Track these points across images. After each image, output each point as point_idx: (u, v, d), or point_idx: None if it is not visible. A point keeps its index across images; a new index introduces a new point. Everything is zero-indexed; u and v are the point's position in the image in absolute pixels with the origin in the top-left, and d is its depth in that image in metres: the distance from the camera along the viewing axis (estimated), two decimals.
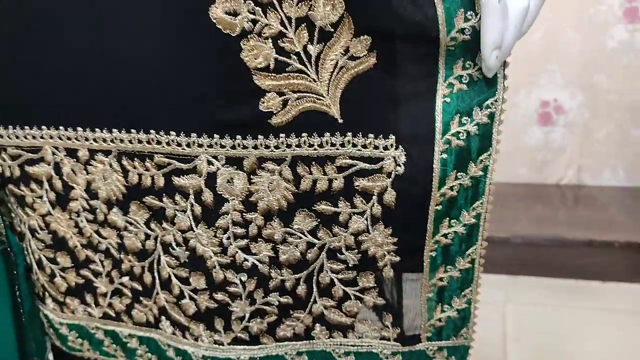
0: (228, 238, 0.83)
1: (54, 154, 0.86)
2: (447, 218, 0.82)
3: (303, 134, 0.77)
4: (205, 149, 0.79)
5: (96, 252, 0.91)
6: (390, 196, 0.79)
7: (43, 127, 0.84)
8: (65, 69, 0.79)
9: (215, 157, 0.79)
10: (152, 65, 0.76)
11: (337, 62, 0.73)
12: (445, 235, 0.83)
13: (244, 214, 0.82)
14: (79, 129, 0.82)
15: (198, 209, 0.82)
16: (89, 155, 0.84)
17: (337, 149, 0.78)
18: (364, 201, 0.80)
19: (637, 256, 2.02)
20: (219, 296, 0.87)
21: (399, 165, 0.78)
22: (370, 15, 0.71)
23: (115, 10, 0.74)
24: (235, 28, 0.71)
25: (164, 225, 0.85)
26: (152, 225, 0.86)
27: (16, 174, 0.89)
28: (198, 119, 0.77)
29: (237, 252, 0.84)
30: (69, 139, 0.83)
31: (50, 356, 1.08)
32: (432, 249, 0.84)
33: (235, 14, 0.71)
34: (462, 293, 0.88)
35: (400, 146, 0.77)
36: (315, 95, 0.75)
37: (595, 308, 1.92)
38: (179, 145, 0.79)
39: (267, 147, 0.78)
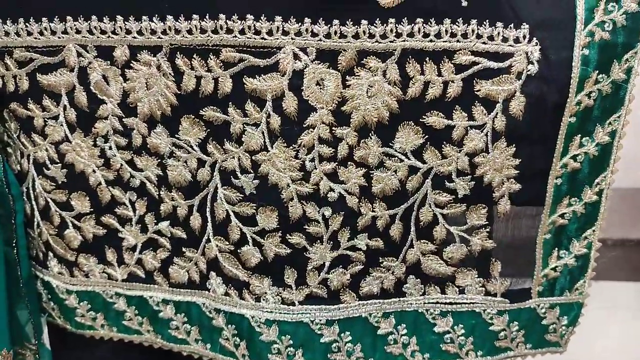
0: (312, 160, 0.65)
1: (80, 55, 0.66)
2: (579, 135, 0.67)
3: (417, 20, 0.60)
4: (292, 38, 0.61)
5: (126, 190, 0.72)
6: (518, 103, 0.64)
7: (68, 18, 0.64)
8: None
9: (303, 50, 0.61)
10: None
11: None
12: (574, 158, 0.68)
13: (333, 128, 0.64)
14: (118, 18, 0.63)
15: (276, 122, 0.64)
16: (129, 55, 0.65)
17: (458, 41, 0.62)
18: (484, 111, 0.64)
19: None
20: (294, 239, 0.68)
21: (532, 63, 0.63)
22: None
23: None
24: None
25: (227, 146, 0.66)
26: (210, 148, 0.67)
27: (24, 86, 0.69)
28: None
29: (321, 178, 0.66)
30: (103, 32, 0.64)
31: (47, 339, 0.85)
32: (558, 175, 0.68)
33: None
34: (583, 234, 0.73)
35: (534, 38, 0.62)
36: None
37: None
38: (257, 33, 0.61)
39: (371, 36, 0.61)
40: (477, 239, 0.70)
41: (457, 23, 0.61)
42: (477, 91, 0.63)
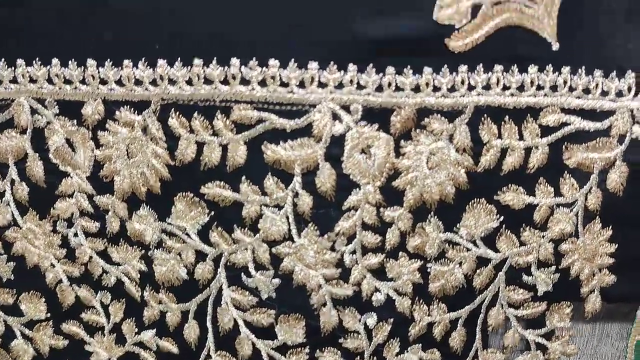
0: (353, 252, 0.49)
1: (35, 112, 0.48)
2: None
3: (495, 68, 0.45)
4: (331, 92, 0.45)
5: (97, 289, 0.53)
6: (618, 175, 0.49)
7: (18, 62, 0.47)
8: None
9: (346, 108, 0.45)
10: None
11: None
12: None
13: (381, 209, 0.48)
14: (90, 62, 0.46)
15: (306, 203, 0.47)
16: (104, 113, 0.48)
17: (546, 95, 0.47)
18: (575, 185, 0.49)
19: None
20: (327, 356, 0.51)
21: (638, 123, 0.48)
22: None
23: None
24: None
25: (237, 234, 0.49)
26: (213, 237, 0.50)
27: None
28: (323, 37, 0.44)
29: (364, 276, 0.50)
30: (67, 82, 0.47)
31: None
32: None
33: None
34: None
35: None
36: (522, 0, 0.44)
37: None
38: (284, 84, 0.45)
39: (436, 88, 0.45)
40: (558, 345, 0.54)
41: (545, 72, 0.46)
42: (567, 159, 0.49)
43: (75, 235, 0.52)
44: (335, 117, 0.46)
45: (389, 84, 0.45)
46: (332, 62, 0.44)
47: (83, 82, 0.47)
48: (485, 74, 0.46)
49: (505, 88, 0.46)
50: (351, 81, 0.45)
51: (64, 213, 0.51)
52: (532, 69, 0.46)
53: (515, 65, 0.46)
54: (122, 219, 0.51)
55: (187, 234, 0.50)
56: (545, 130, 0.48)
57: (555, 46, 0.46)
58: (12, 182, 0.51)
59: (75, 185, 0.50)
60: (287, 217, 0.48)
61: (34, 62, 0.47)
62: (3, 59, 0.47)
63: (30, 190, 0.51)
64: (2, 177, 0.51)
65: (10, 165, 0.50)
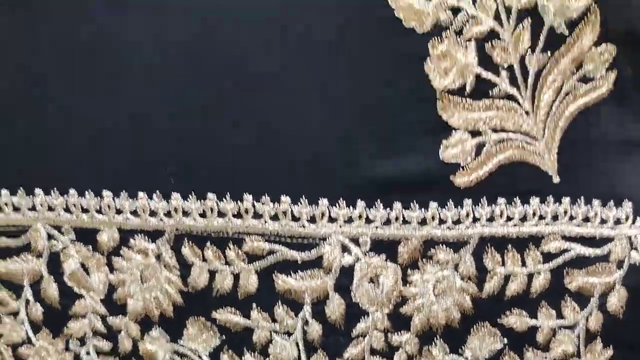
0: None
1: (50, 237, 0.50)
2: None
3: (498, 201, 0.47)
4: (341, 226, 0.47)
5: None
6: (618, 298, 0.51)
7: (37, 192, 0.48)
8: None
9: (354, 240, 0.47)
10: (258, 83, 0.45)
11: (561, 86, 0.46)
12: None
13: (389, 335, 0.49)
14: (106, 193, 0.48)
15: (316, 330, 0.49)
16: (119, 240, 0.49)
17: (547, 225, 0.48)
18: (577, 308, 0.51)
19: None
20: None
21: (635, 249, 0.50)
22: (635, 7, 0.44)
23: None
24: (425, 20, 0.42)
25: (247, 358, 0.50)
26: (224, 359, 0.50)
27: None
28: (332, 175, 0.46)
29: None
30: (84, 211, 0.48)
31: None
32: None
33: None
34: None
35: (638, 218, 0.49)
36: (524, 138, 0.47)
37: None
38: (296, 219, 0.46)
39: (441, 221, 0.47)
40: None
41: (546, 203, 0.48)
42: (568, 284, 0.50)
43: (88, 353, 0.53)
44: (345, 249, 0.47)
45: (397, 218, 0.47)
46: (341, 198, 0.46)
47: (99, 211, 0.49)
48: (489, 206, 0.47)
49: (508, 219, 0.48)
50: (360, 216, 0.47)
51: (77, 332, 0.52)
52: (534, 200, 0.48)
53: (518, 198, 0.48)
54: (134, 339, 0.52)
55: (199, 356, 0.51)
56: (547, 257, 0.49)
57: (556, 179, 0.48)
58: (27, 302, 0.52)
59: (89, 306, 0.51)
60: (297, 344, 0.49)
61: (51, 191, 0.49)
62: (22, 188, 0.49)
63: (45, 311, 0.52)
64: (17, 297, 0.52)
65: (25, 286, 0.51)
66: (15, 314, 0.52)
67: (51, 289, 0.51)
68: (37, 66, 0.46)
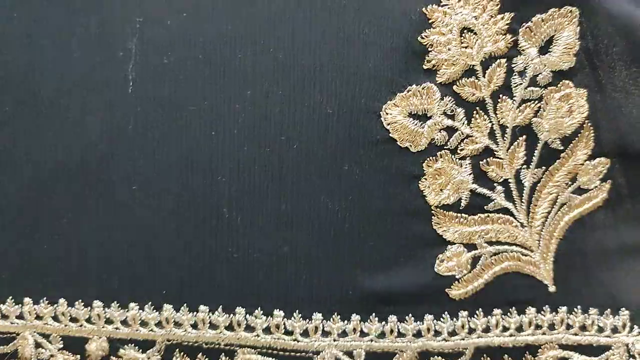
0: None
1: (39, 346, 0.49)
2: None
3: (494, 311, 0.47)
4: (335, 340, 0.46)
5: None
6: None
7: (25, 300, 0.47)
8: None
9: (349, 354, 0.46)
10: (251, 197, 0.44)
11: (556, 198, 0.46)
12: None
13: None
14: (96, 303, 0.47)
15: None
16: (108, 350, 0.48)
17: (544, 334, 0.48)
18: None
19: None
20: None
21: (634, 357, 0.49)
22: (626, 123, 0.45)
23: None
24: (420, 140, 0.42)
25: None
26: None
27: None
28: (328, 288, 0.45)
29: None
30: (73, 320, 0.47)
31: None
32: None
33: (423, 116, 0.42)
34: None
35: (635, 327, 0.49)
36: (520, 250, 0.46)
37: None
38: (289, 333, 0.46)
39: (437, 333, 0.46)
40: None
41: (542, 312, 0.47)
42: None
43: None
44: None
45: (391, 331, 0.46)
46: (336, 313, 0.45)
47: (89, 320, 0.48)
48: (485, 317, 0.47)
49: (504, 329, 0.47)
50: (354, 329, 0.46)
51: None
52: (530, 310, 0.48)
53: (514, 308, 0.47)
54: None
55: None
56: None
57: (552, 288, 0.47)
58: None
59: None
60: None
61: (40, 301, 0.48)
62: (11, 297, 0.48)
63: None
64: None
65: None
66: None
67: None
68: (37, 175, 0.46)
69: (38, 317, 0.48)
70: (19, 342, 0.49)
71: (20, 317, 0.48)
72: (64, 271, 0.47)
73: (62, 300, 0.47)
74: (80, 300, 0.47)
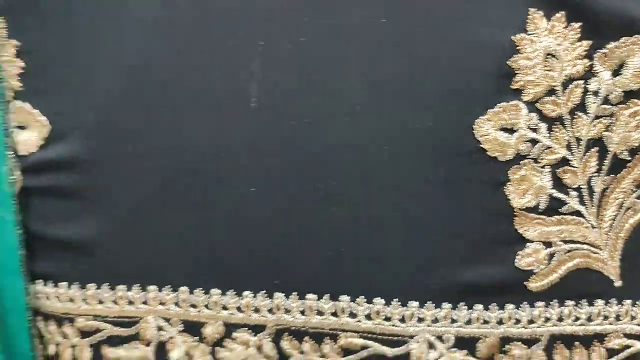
0: None
1: (160, 329, 0.55)
2: None
3: (567, 303, 0.53)
4: (428, 325, 0.52)
5: None
6: None
7: (150, 287, 0.54)
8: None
9: (439, 338, 0.52)
10: (357, 198, 0.51)
11: (622, 203, 0.52)
12: None
13: None
14: (214, 291, 0.53)
15: None
16: (223, 332, 0.54)
17: (610, 324, 0.54)
18: None
19: None
20: None
21: None
22: None
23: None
24: (508, 150, 0.49)
25: None
26: None
27: (83, 358, 0.57)
28: (422, 281, 0.52)
29: None
30: (193, 306, 0.54)
31: None
32: None
33: (511, 130, 0.49)
34: None
35: None
36: (590, 248, 0.52)
37: None
38: (388, 319, 0.52)
39: (517, 321, 0.52)
40: None
41: (609, 304, 0.53)
42: None
43: None
44: (431, 345, 0.53)
45: (477, 318, 0.52)
46: (429, 302, 0.52)
47: (207, 307, 0.54)
48: (559, 308, 0.53)
49: (576, 319, 0.53)
50: (445, 316, 0.52)
51: None
52: (598, 302, 0.53)
53: (584, 300, 0.53)
54: None
55: None
56: (611, 353, 0.54)
57: (618, 283, 0.53)
58: None
59: None
60: None
61: (164, 288, 0.54)
62: (138, 285, 0.55)
63: None
64: None
65: None
66: None
67: None
68: (167, 174, 0.52)
69: (161, 303, 0.55)
70: (141, 325, 0.56)
71: (144, 302, 0.55)
72: (186, 262, 0.54)
73: (183, 288, 0.54)
74: (200, 288, 0.54)
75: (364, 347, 0.53)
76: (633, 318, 0.54)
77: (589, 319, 0.54)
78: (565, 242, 0.52)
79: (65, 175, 0.53)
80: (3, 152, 0.53)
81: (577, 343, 0.54)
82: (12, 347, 0.57)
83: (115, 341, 0.56)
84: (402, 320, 0.52)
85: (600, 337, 0.54)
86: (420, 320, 0.52)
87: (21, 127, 0.54)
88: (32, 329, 0.57)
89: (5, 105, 0.53)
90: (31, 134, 0.54)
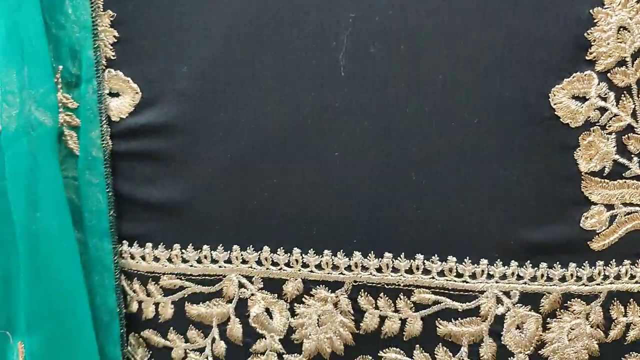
0: None
1: (242, 286, 0.59)
2: None
3: (624, 262, 0.56)
4: (497, 282, 0.56)
5: None
6: None
7: (234, 247, 0.57)
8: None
9: (507, 294, 0.56)
10: (436, 163, 0.54)
11: None
12: None
13: None
14: (295, 250, 0.57)
15: None
16: (302, 289, 0.58)
17: None
18: None
19: None
20: None
21: None
22: None
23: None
24: (579, 117, 0.52)
25: None
26: None
27: (166, 315, 0.61)
28: (492, 239, 0.55)
29: None
30: (274, 264, 0.57)
31: None
32: None
33: (583, 98, 0.52)
34: None
35: None
36: None
37: None
38: (459, 275, 0.56)
39: (578, 279, 0.56)
40: None
41: None
42: None
43: None
44: (499, 300, 0.56)
45: (542, 275, 0.56)
46: (498, 260, 0.55)
47: (288, 265, 0.58)
48: (617, 267, 0.57)
49: (632, 277, 0.57)
50: (512, 273, 0.56)
51: None
52: None
53: (637, 257, 0.57)
54: None
55: None
56: None
57: None
58: (213, 340, 0.61)
59: (269, 345, 0.60)
60: None
61: (247, 247, 0.58)
62: (221, 245, 0.58)
63: (227, 347, 0.61)
64: (204, 336, 0.61)
65: (213, 326, 0.60)
66: (201, 350, 0.61)
67: (236, 330, 0.60)
68: (257, 140, 0.55)
69: (244, 262, 0.58)
70: (224, 282, 0.59)
71: (228, 261, 0.58)
72: (270, 222, 0.57)
73: (266, 247, 0.57)
74: (281, 247, 0.57)
75: (435, 303, 0.56)
76: None
77: None
78: (626, 205, 0.56)
79: (155, 141, 0.56)
80: (95, 117, 0.55)
81: (631, 300, 0.58)
82: (97, 304, 0.60)
83: (197, 298, 0.60)
84: (473, 276, 0.56)
85: None
86: (490, 276, 0.56)
87: (114, 94, 0.57)
88: (117, 287, 0.60)
89: (100, 73, 0.55)
90: (123, 100, 0.56)
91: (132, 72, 0.56)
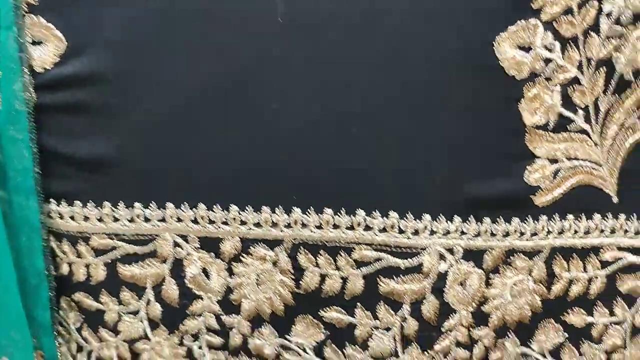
0: None
1: (177, 245, 0.56)
2: None
3: (568, 216, 0.56)
4: (439, 238, 0.54)
5: None
6: None
7: (168, 205, 0.55)
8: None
9: (449, 250, 0.55)
10: (378, 116, 0.52)
11: (623, 123, 0.55)
12: None
13: (471, 330, 0.57)
14: (232, 207, 0.54)
15: (412, 326, 0.56)
16: (240, 248, 0.56)
17: (606, 237, 0.57)
18: (625, 306, 0.60)
19: None
20: None
21: None
22: None
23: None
24: (524, 69, 0.51)
25: (349, 350, 0.58)
26: (327, 352, 0.58)
27: (98, 277, 0.58)
28: (435, 194, 0.54)
29: None
30: (210, 222, 0.55)
31: None
32: None
33: (527, 48, 0.50)
34: None
35: None
36: (591, 165, 0.55)
37: None
38: (402, 232, 0.54)
39: (521, 234, 0.55)
40: None
41: (605, 219, 0.57)
42: (620, 286, 0.59)
43: (200, 348, 0.59)
44: (441, 257, 0.55)
45: (485, 231, 0.55)
46: (441, 215, 0.54)
47: (225, 223, 0.55)
48: (560, 222, 0.56)
49: (575, 232, 0.57)
50: (456, 229, 0.55)
51: (192, 329, 0.59)
52: (596, 216, 0.57)
53: (583, 214, 0.56)
54: (244, 335, 0.58)
55: (303, 350, 0.58)
56: (604, 264, 0.58)
57: (615, 199, 0.57)
58: (148, 302, 0.58)
59: (206, 306, 0.58)
60: (394, 338, 0.57)
61: (181, 205, 0.55)
62: (154, 202, 0.55)
63: (163, 310, 0.58)
64: (138, 298, 0.58)
65: (147, 288, 0.58)
66: (135, 312, 0.59)
67: (172, 291, 0.57)
68: (190, 93, 0.52)
69: (178, 220, 0.55)
70: (158, 242, 0.56)
71: (161, 220, 0.56)
72: (205, 179, 0.54)
73: (201, 205, 0.55)
74: (218, 205, 0.55)
75: (377, 260, 0.55)
76: (626, 232, 0.58)
77: (587, 233, 0.57)
78: (570, 159, 0.55)
79: (82, 92, 0.52)
80: (17, 68, 0.51)
81: (574, 255, 0.57)
82: (25, 267, 0.57)
83: (130, 259, 0.57)
84: (415, 232, 0.54)
85: (596, 250, 0.58)
86: (432, 233, 0.54)
87: (36, 43, 0.53)
88: (45, 248, 0.57)
89: (19, 19, 0.51)
90: (46, 49, 0.52)
91: (55, 18, 0.52)
